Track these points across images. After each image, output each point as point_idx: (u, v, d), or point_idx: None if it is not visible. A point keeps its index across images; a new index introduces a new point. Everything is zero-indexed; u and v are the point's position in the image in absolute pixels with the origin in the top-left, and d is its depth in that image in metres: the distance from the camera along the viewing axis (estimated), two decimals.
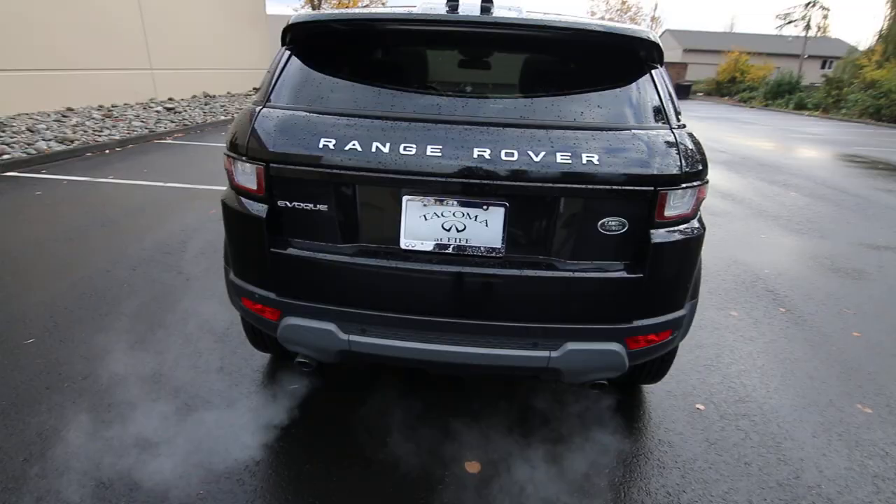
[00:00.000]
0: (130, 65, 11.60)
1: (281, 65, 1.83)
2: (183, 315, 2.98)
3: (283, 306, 1.79)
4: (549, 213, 1.65)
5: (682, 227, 1.70)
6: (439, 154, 1.56)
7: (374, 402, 2.28)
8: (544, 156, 1.55)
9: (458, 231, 1.65)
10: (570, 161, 1.55)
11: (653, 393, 2.45)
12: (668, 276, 1.73)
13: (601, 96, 1.73)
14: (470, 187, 1.58)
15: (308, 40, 1.85)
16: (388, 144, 1.58)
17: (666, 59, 1.86)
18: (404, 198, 1.63)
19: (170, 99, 12.68)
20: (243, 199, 1.77)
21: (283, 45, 1.88)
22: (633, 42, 1.72)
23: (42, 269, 3.56)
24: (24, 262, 3.65)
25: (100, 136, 7.99)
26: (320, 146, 1.61)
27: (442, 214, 1.64)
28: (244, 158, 1.72)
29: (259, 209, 1.72)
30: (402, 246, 1.67)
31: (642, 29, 1.76)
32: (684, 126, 1.77)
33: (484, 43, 2.01)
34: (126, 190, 5.66)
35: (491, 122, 1.61)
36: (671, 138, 1.65)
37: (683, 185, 1.63)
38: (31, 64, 9.03)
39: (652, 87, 1.75)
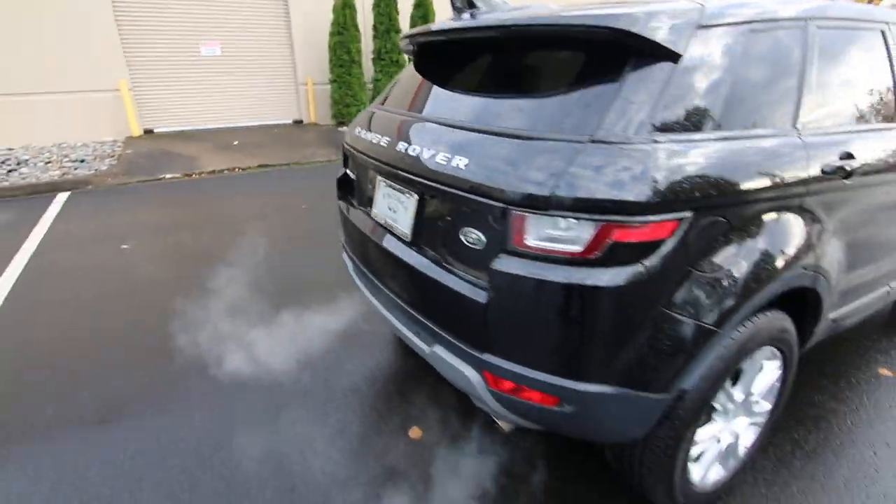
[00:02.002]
0: None
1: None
2: None
3: (343, 239, 2.59)
4: (436, 212, 1.68)
5: (564, 267, 1.30)
6: (385, 145, 1.87)
7: None
8: (432, 154, 1.61)
9: (393, 212, 1.87)
10: (444, 162, 1.55)
11: None
12: (528, 321, 1.39)
13: (532, 101, 1.57)
14: (396, 177, 1.80)
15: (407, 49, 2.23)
16: (371, 134, 2.00)
17: None
18: (378, 178, 1.99)
19: None
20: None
21: None
22: (591, 33, 1.40)
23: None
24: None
25: None
26: (354, 133, 2.23)
27: (389, 196, 1.91)
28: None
29: (339, 172, 2.51)
30: (371, 214, 2.05)
31: (610, 13, 1.36)
32: (647, 142, 1.29)
33: (464, 47, 1.98)
34: None
35: (427, 119, 1.79)
36: (567, 152, 1.30)
37: (557, 212, 1.28)
38: None
39: (611, 87, 1.37)
